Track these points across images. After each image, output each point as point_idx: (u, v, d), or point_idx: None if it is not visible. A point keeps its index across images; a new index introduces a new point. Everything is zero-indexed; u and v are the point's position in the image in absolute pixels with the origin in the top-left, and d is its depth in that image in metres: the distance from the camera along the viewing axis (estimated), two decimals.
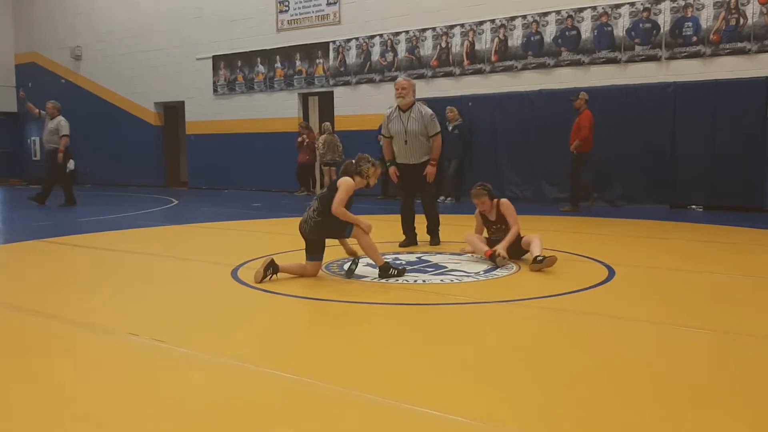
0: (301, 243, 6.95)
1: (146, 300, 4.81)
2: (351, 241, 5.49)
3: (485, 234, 6.32)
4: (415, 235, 7.03)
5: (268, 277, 5.17)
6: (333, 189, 5.35)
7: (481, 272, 5.55)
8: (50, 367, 3.28)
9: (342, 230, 5.32)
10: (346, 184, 5.31)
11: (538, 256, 5.54)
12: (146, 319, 4.23)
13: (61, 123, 11.99)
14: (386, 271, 5.29)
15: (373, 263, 5.45)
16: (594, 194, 10.83)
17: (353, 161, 5.49)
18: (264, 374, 3.11)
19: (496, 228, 6.17)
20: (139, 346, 3.62)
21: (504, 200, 6.19)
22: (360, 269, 5.54)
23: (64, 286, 5.36)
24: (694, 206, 10.66)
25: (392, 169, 6.97)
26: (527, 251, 5.85)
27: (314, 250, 5.42)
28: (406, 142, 6.78)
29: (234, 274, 5.52)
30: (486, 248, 5.92)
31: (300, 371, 3.15)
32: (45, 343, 3.73)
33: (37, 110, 12.26)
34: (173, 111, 18.35)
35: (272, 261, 5.24)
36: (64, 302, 4.72)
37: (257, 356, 3.39)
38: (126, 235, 8.54)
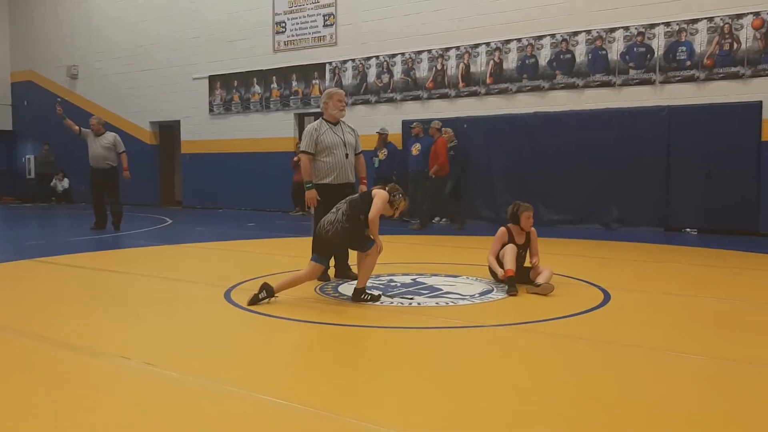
0: (296, 264, 6.91)
1: (137, 322, 4.76)
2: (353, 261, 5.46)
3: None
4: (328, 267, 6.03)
5: (265, 300, 5.11)
6: (367, 197, 5.23)
7: (477, 295, 5.52)
8: (39, 391, 3.22)
9: (364, 243, 5.22)
10: (382, 196, 5.20)
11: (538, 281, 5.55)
12: (137, 341, 4.17)
13: (118, 139, 11.38)
14: (359, 294, 5.23)
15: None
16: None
17: (386, 189, 5.32)
18: (256, 399, 3.07)
19: (519, 253, 6.01)
20: (129, 369, 3.57)
21: (534, 230, 6.12)
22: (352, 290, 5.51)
23: (55, 306, 5.31)
24: (688, 229, 10.67)
25: (313, 194, 6.09)
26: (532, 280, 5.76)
27: (325, 253, 5.33)
28: (347, 155, 6.20)
29: (227, 295, 5.48)
30: (512, 268, 5.69)
31: (292, 397, 3.10)
32: (34, 365, 3.68)
33: (77, 127, 11.36)
34: (169, 130, 18.35)
35: (265, 284, 5.18)
36: (54, 323, 4.66)
37: (249, 381, 3.35)
38: (119, 254, 8.49)
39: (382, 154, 12.81)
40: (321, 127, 6.20)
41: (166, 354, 3.87)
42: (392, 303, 5.20)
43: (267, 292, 5.12)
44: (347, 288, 5.76)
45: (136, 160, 18.04)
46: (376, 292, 5.37)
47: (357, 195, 5.43)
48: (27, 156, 21.09)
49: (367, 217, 5.12)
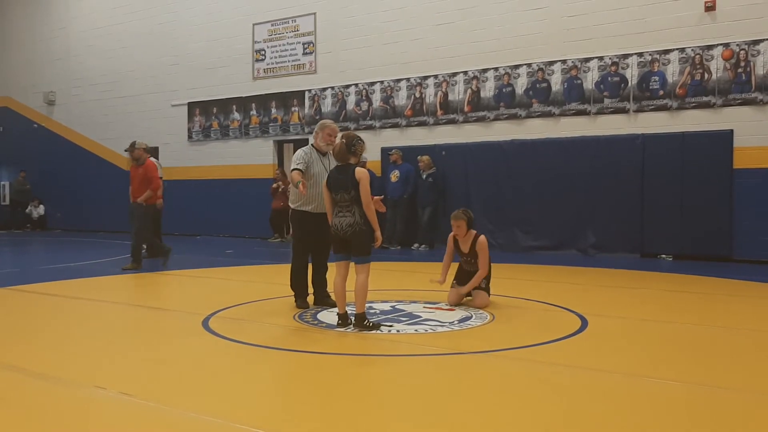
0: (275, 290, 6.90)
1: (114, 351, 4.70)
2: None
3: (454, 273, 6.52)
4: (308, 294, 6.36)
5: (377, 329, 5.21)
6: (345, 172, 5.33)
7: (455, 322, 5.54)
8: (12, 423, 3.17)
9: (370, 251, 5.30)
10: (366, 177, 5.31)
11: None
12: (113, 371, 4.12)
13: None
14: (362, 320, 5.22)
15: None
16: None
17: (344, 141, 5.39)
18: (235, 429, 3.04)
19: (466, 260, 6.31)
20: (105, 399, 3.52)
21: (482, 238, 6.27)
22: (331, 317, 5.50)
23: (29, 336, 5.23)
24: (664, 255, 10.80)
25: (297, 174, 6.01)
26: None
27: (347, 250, 5.36)
28: None
29: (205, 324, 5.43)
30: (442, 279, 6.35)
31: (271, 426, 3.08)
32: (7, 396, 3.62)
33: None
34: None
35: (343, 315, 5.32)
36: (28, 353, 4.59)
37: (228, 410, 3.32)
38: (95, 282, 8.39)
39: None
40: (312, 153, 6.27)
41: (143, 384, 3.83)
42: (371, 331, 5.19)
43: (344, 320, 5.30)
44: (326, 315, 5.76)
45: (113, 186, 17.98)
46: (377, 322, 5.38)
47: (338, 175, 5.39)
48: (2, 183, 20.85)
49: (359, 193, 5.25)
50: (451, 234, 6.37)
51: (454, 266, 6.53)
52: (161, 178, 11.16)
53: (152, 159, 11.03)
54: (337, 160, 5.46)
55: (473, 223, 6.34)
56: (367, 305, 6.12)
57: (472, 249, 6.22)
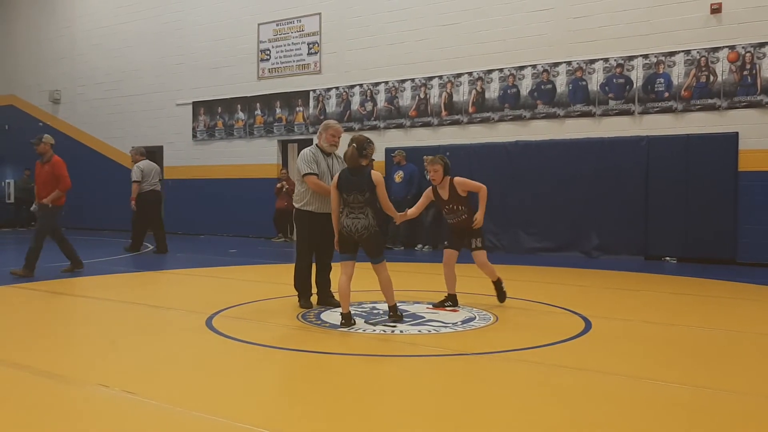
0: (279, 290, 6.91)
1: (117, 350, 4.71)
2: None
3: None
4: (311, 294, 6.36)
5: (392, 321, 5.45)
6: (360, 173, 5.48)
7: (459, 323, 5.54)
8: (17, 421, 3.18)
9: (383, 250, 5.54)
10: (382, 181, 5.55)
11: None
12: (117, 369, 4.13)
13: (134, 169, 11.83)
14: (396, 310, 5.54)
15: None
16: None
17: (355, 146, 5.53)
18: (238, 428, 3.04)
19: (449, 209, 6.20)
20: (108, 397, 3.53)
21: (457, 177, 6.18)
22: (335, 317, 5.50)
23: (33, 334, 5.24)
24: (668, 258, 10.78)
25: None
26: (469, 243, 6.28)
27: (354, 251, 5.53)
28: None
29: (209, 323, 5.44)
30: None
31: (274, 426, 3.09)
32: (11, 394, 3.62)
33: None
34: (151, 156, 18.17)
35: (347, 314, 5.35)
36: (32, 351, 4.60)
37: (231, 409, 3.32)
38: (98, 281, 8.41)
39: None
40: (317, 153, 6.27)
41: (147, 382, 3.84)
42: (374, 330, 5.20)
43: (347, 320, 5.33)
44: (329, 315, 5.76)
45: (118, 185, 18.01)
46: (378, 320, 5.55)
47: (351, 177, 5.48)
48: (7, 180, 20.90)
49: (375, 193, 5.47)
50: (429, 188, 6.29)
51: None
52: (156, 180, 11.46)
53: (149, 162, 11.38)
54: (348, 164, 5.55)
55: (449, 170, 6.20)
56: (370, 305, 6.16)
57: (452, 193, 6.14)
